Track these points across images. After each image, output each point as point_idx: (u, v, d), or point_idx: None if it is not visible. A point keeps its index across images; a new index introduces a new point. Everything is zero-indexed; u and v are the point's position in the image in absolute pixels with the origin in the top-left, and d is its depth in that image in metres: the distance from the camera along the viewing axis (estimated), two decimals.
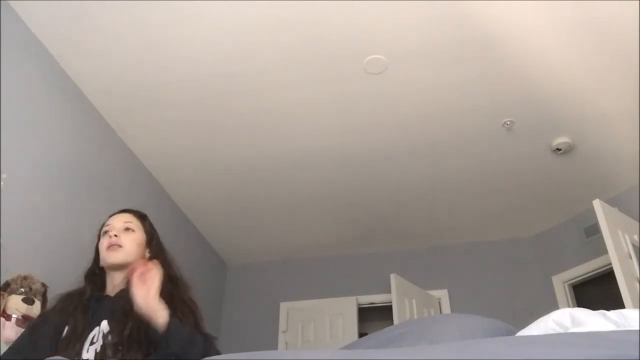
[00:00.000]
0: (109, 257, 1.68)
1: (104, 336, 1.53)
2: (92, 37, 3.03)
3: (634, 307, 3.07)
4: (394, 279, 4.64)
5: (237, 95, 3.46)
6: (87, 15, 2.89)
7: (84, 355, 1.51)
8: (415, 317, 4.51)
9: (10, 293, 2.31)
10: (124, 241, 1.70)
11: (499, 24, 2.96)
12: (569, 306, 3.55)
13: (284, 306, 5.29)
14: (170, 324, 1.45)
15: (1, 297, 2.29)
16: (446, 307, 4.97)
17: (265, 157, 4.05)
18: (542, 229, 5.03)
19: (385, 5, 2.84)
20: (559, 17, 2.91)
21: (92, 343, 1.53)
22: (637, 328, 1.09)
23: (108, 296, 1.68)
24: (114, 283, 1.70)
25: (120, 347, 1.50)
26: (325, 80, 3.35)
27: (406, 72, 3.28)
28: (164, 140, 3.86)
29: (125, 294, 1.59)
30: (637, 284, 3.37)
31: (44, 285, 2.43)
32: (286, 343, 5.07)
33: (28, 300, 2.30)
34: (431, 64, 3.22)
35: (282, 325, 5.19)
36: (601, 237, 3.56)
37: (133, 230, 1.75)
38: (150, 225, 1.84)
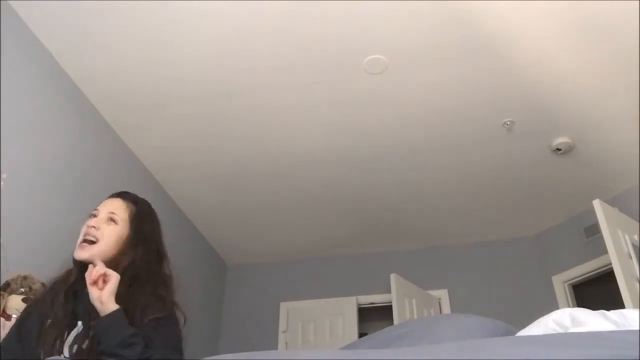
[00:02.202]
0: (76, 253, 1.56)
1: (74, 340, 1.47)
2: (92, 37, 3.03)
3: (634, 307, 3.07)
4: (394, 279, 4.64)
5: (237, 95, 3.46)
6: (86, 15, 2.89)
7: (66, 352, 1.46)
8: (415, 317, 4.51)
9: (10, 293, 2.31)
10: (102, 234, 1.56)
11: (499, 24, 2.96)
12: (569, 306, 3.55)
13: (284, 306, 5.29)
14: (109, 316, 1.39)
15: (1, 297, 2.29)
16: (446, 307, 4.97)
17: (265, 157, 4.05)
18: (542, 229, 5.03)
19: (385, 5, 2.84)
20: (560, 17, 2.91)
21: (71, 344, 1.47)
22: (637, 328, 1.09)
23: (85, 293, 1.56)
24: None
25: (84, 352, 1.43)
26: (325, 80, 3.35)
27: (406, 72, 3.28)
28: (163, 140, 3.86)
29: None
30: (637, 284, 3.36)
31: (44, 285, 2.42)
32: (286, 343, 5.07)
33: (28, 300, 2.29)
34: (431, 64, 3.22)
35: (282, 325, 5.19)
36: (601, 237, 3.56)
37: (115, 223, 1.60)
38: (139, 215, 1.67)
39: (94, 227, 1.57)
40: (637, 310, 1.28)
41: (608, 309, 1.33)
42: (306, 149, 3.97)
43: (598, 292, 4.38)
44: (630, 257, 3.49)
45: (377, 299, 5.10)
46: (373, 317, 5.45)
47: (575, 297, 4.66)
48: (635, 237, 3.67)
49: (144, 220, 1.68)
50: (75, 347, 1.46)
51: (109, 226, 1.59)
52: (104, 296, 1.42)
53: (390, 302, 4.57)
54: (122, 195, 1.70)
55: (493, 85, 3.38)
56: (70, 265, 1.65)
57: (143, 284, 1.56)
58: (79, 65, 3.21)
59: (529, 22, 2.95)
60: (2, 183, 2.54)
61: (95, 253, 1.53)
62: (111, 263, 1.54)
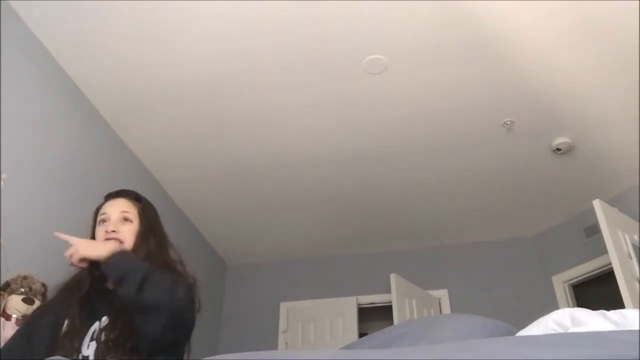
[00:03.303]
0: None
1: (99, 333, 1.49)
2: (92, 37, 3.03)
3: (634, 307, 3.07)
4: (394, 279, 4.64)
5: (237, 95, 3.46)
6: (87, 15, 2.89)
7: (84, 351, 1.47)
8: (415, 317, 4.51)
9: (10, 293, 2.31)
10: (123, 235, 1.65)
11: (499, 24, 2.96)
12: (569, 306, 3.55)
13: (284, 306, 5.29)
14: (111, 255, 1.47)
15: (1, 297, 2.29)
16: (446, 307, 4.97)
17: (265, 157, 4.05)
18: (542, 229, 5.03)
19: (385, 5, 2.84)
20: (559, 17, 2.91)
21: (92, 339, 1.49)
22: (637, 328, 1.09)
23: (109, 290, 1.60)
24: None
25: (111, 346, 1.45)
26: (325, 81, 3.35)
27: (406, 72, 3.28)
28: (164, 140, 3.86)
29: None
30: (637, 284, 3.36)
31: (44, 285, 2.42)
32: (286, 343, 5.07)
33: (28, 300, 2.29)
34: (431, 64, 3.22)
35: (282, 325, 5.19)
36: (601, 237, 3.56)
37: (131, 221, 1.69)
38: (145, 208, 1.75)
39: (114, 230, 1.64)
40: (637, 310, 1.28)
41: (608, 309, 1.33)
42: (306, 149, 3.97)
43: (598, 292, 4.38)
44: (630, 257, 3.49)
45: (377, 299, 5.09)
46: (373, 317, 5.45)
47: (575, 297, 4.66)
48: (635, 237, 3.67)
49: (149, 213, 1.76)
50: (92, 343, 1.47)
51: (126, 225, 1.67)
52: (82, 247, 1.52)
53: (390, 302, 4.57)
54: (124, 194, 1.77)
55: (493, 85, 3.38)
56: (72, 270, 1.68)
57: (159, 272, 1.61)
58: (79, 65, 3.21)
59: (529, 22, 2.95)
60: (2, 183, 2.54)
61: None
62: None
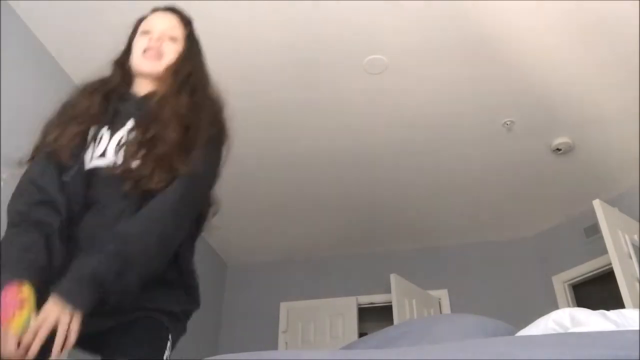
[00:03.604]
0: (144, 65, 1.53)
1: (127, 134, 1.40)
2: (92, 36, 3.02)
3: (634, 307, 3.07)
4: (394, 279, 4.64)
5: (236, 95, 3.43)
6: (86, 14, 2.89)
7: (110, 155, 1.39)
8: (415, 317, 4.51)
9: None
10: (166, 50, 1.53)
11: (499, 24, 2.96)
12: (569, 306, 3.55)
13: (284, 306, 5.29)
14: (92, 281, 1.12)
15: None
16: (446, 307, 4.97)
17: (265, 157, 4.05)
18: (542, 229, 5.02)
19: (385, 5, 2.84)
20: (559, 17, 2.91)
21: (118, 144, 1.39)
22: (637, 328, 1.09)
23: (135, 96, 1.53)
24: (141, 87, 1.56)
25: (141, 149, 1.35)
26: (325, 81, 3.35)
27: (406, 72, 3.28)
28: None
29: (154, 96, 1.48)
30: (637, 284, 3.36)
31: None
32: (286, 343, 5.07)
33: None
34: (431, 64, 3.22)
35: (282, 325, 5.19)
36: (601, 237, 3.55)
37: (176, 40, 1.57)
38: (193, 34, 1.66)
39: (158, 44, 1.52)
40: (637, 310, 1.28)
41: (608, 309, 1.33)
42: (306, 149, 3.97)
43: (598, 292, 4.38)
44: (630, 257, 3.49)
45: (377, 299, 5.09)
46: (373, 317, 5.45)
47: (575, 297, 4.66)
48: (635, 237, 3.67)
49: (196, 38, 1.69)
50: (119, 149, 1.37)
51: (170, 43, 1.55)
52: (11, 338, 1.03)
53: (390, 302, 4.57)
54: (176, 11, 1.65)
55: (493, 85, 3.38)
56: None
57: (203, 97, 1.57)
58: (79, 64, 3.21)
59: (529, 22, 2.95)
60: (2, 183, 2.53)
61: (163, 67, 1.51)
62: (170, 71, 1.52)
